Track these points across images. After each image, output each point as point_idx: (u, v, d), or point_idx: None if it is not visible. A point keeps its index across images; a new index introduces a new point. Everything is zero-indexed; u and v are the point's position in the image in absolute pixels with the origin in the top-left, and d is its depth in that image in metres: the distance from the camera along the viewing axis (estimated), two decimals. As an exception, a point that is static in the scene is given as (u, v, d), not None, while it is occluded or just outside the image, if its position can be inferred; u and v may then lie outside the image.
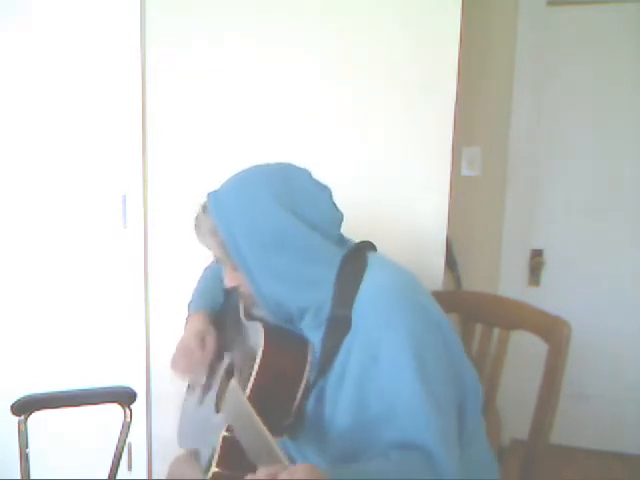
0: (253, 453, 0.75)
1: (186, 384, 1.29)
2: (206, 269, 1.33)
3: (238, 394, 0.89)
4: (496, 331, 1.31)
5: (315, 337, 0.97)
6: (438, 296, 1.44)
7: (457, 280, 2.26)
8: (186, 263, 1.69)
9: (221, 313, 1.23)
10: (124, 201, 1.69)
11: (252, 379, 0.95)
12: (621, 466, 2.33)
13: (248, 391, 0.95)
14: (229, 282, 1.02)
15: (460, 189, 1.92)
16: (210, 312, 1.21)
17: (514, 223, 2.36)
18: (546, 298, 2.18)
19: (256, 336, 1.00)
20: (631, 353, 2.35)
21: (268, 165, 1.00)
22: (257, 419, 0.75)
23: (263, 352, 0.96)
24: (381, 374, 0.85)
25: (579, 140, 2.31)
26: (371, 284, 0.92)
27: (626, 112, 2.26)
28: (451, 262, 2.16)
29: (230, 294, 1.20)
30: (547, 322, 1.18)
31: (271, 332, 0.99)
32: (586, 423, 2.40)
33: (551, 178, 2.34)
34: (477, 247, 2.35)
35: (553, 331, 1.15)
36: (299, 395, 0.96)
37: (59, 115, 1.70)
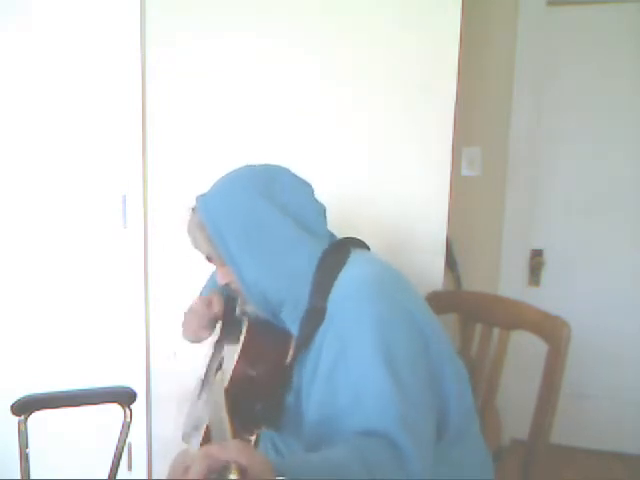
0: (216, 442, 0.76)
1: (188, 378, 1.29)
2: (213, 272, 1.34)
3: (219, 387, 0.90)
4: (496, 331, 1.31)
5: (295, 329, 0.99)
6: (438, 296, 1.45)
7: (457, 280, 2.26)
8: (186, 263, 1.69)
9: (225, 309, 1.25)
10: (124, 201, 1.69)
11: (231, 369, 0.98)
12: (621, 466, 2.33)
13: (227, 382, 0.97)
14: (221, 279, 1.06)
15: (460, 189, 1.92)
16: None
17: (514, 223, 2.36)
18: (546, 298, 2.18)
19: (243, 329, 1.03)
20: (631, 353, 2.35)
21: (252, 165, 1.05)
22: (225, 415, 0.76)
23: (243, 342, 1.00)
24: (349, 366, 0.87)
25: (579, 140, 2.31)
26: (347, 277, 0.94)
27: (626, 112, 2.26)
28: (451, 262, 2.16)
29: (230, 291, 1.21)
30: (547, 322, 1.18)
31: (254, 324, 1.02)
32: (586, 423, 2.40)
33: (551, 178, 2.34)
34: (477, 247, 2.35)
35: (553, 331, 1.15)
36: (279, 387, 0.98)
37: (59, 115, 1.70)
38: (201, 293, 1.29)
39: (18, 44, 1.69)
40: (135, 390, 1.33)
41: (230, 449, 0.63)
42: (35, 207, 1.75)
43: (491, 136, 2.32)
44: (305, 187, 1.03)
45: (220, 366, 1.13)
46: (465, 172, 2.34)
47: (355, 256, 0.99)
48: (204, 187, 1.63)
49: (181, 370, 1.21)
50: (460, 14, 1.47)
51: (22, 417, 1.25)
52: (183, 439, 1.25)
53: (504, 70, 2.27)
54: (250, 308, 1.05)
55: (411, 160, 1.54)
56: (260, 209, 0.96)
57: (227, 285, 1.06)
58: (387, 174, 1.56)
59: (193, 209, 1.04)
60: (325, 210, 1.05)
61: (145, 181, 1.68)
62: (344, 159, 1.57)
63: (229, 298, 1.25)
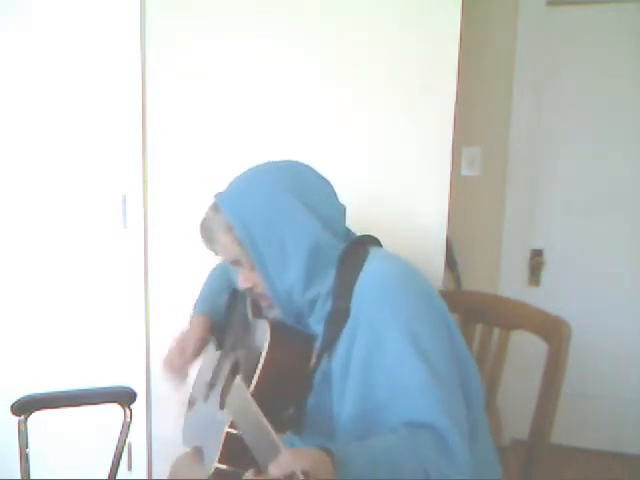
0: (256, 449, 0.76)
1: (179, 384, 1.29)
2: (212, 270, 1.33)
3: (242, 390, 0.89)
4: (496, 331, 1.31)
5: (319, 330, 0.98)
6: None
7: (457, 280, 2.26)
8: (186, 263, 1.69)
9: (226, 313, 1.24)
10: (124, 201, 1.69)
11: (257, 374, 0.96)
12: (621, 466, 2.33)
13: (252, 386, 0.96)
14: (244, 282, 1.00)
15: (460, 189, 1.92)
16: (212, 315, 1.23)
17: (514, 223, 2.36)
18: (546, 298, 2.18)
19: (263, 333, 1.01)
20: (631, 353, 2.35)
21: (275, 162, 1.02)
22: (261, 416, 0.75)
23: (269, 347, 0.97)
24: (385, 359, 0.87)
25: (579, 140, 2.31)
26: (369, 273, 0.93)
27: (626, 112, 2.26)
28: (451, 262, 2.16)
29: (236, 294, 1.21)
30: (547, 322, 1.18)
31: (277, 328, 1.00)
32: (586, 423, 2.40)
33: (551, 178, 2.34)
34: (477, 247, 2.35)
35: (553, 331, 1.15)
36: (304, 389, 0.97)
37: (59, 115, 1.70)
38: (195, 305, 1.27)
39: (18, 44, 1.69)
40: (135, 390, 1.33)
41: (287, 461, 0.65)
42: (35, 207, 1.75)
43: (491, 136, 2.32)
44: (328, 185, 1.01)
45: (235, 370, 1.10)
46: (465, 172, 2.34)
47: (373, 253, 0.98)
48: (204, 187, 1.63)
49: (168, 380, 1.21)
50: (460, 14, 1.47)
51: (22, 417, 1.25)
52: (184, 443, 1.24)
53: (504, 70, 2.27)
54: (270, 310, 1.02)
55: (411, 160, 1.54)
56: (290, 207, 0.92)
57: (249, 289, 1.01)
58: (387, 174, 1.56)
59: (215, 208, 0.98)
60: (345, 209, 1.03)
61: (145, 181, 1.68)
62: (344, 159, 1.57)
63: (230, 299, 1.25)
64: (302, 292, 0.95)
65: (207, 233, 1.00)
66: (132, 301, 1.73)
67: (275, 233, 0.92)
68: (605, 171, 2.31)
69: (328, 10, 1.53)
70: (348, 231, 1.04)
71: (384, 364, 0.87)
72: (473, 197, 2.33)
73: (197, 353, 1.17)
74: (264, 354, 0.97)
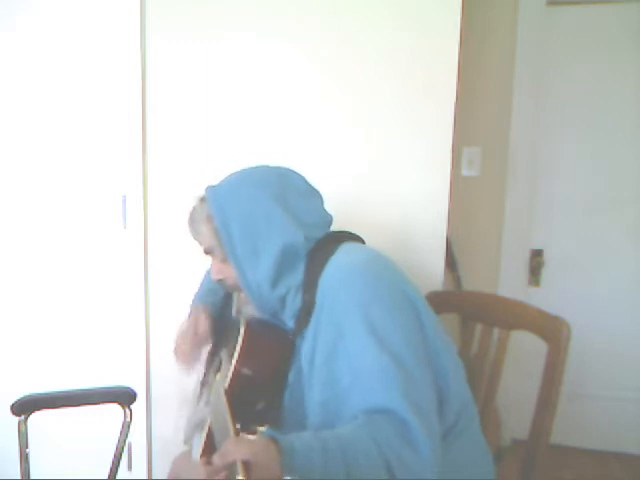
0: (219, 446, 0.76)
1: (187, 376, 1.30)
2: (206, 272, 1.34)
3: (218, 388, 0.91)
4: (496, 331, 1.31)
5: (292, 325, 1.01)
6: (438, 296, 1.45)
7: (457, 280, 2.26)
8: (186, 263, 1.69)
9: (220, 313, 1.25)
10: (124, 201, 1.69)
11: (231, 371, 0.98)
12: (620, 466, 2.33)
13: (227, 383, 0.98)
14: (216, 274, 1.06)
15: (460, 189, 1.92)
16: (211, 307, 1.25)
17: (514, 223, 2.36)
18: (546, 298, 2.19)
19: (240, 330, 1.03)
20: (631, 353, 2.35)
21: (268, 166, 1.06)
22: (227, 416, 0.76)
23: (242, 343, 1.00)
24: (347, 347, 0.89)
25: (579, 140, 2.31)
26: (333, 265, 0.96)
27: (626, 112, 2.26)
28: (451, 262, 2.17)
29: (229, 295, 1.22)
30: (547, 322, 1.18)
31: (251, 324, 1.03)
32: (586, 423, 2.40)
33: (551, 178, 2.34)
34: (477, 247, 2.35)
35: (553, 331, 1.15)
36: (279, 384, 0.98)
37: (58, 115, 1.70)
38: (193, 300, 1.29)
39: (18, 44, 1.68)
40: (135, 390, 1.33)
41: (228, 450, 0.65)
42: (35, 207, 1.75)
43: (491, 136, 2.32)
44: (316, 196, 1.05)
45: (219, 368, 1.13)
46: (465, 172, 2.34)
47: (343, 247, 1.00)
48: (204, 187, 1.63)
49: (181, 370, 1.21)
50: (460, 14, 1.47)
51: (22, 417, 1.25)
52: (185, 442, 1.25)
53: (504, 70, 2.27)
54: (247, 306, 1.05)
55: (411, 160, 1.54)
56: (270, 211, 0.97)
57: (221, 281, 1.06)
58: (387, 174, 1.56)
59: (202, 199, 1.04)
60: (332, 220, 1.06)
61: (145, 181, 1.68)
62: (344, 159, 1.57)
63: (225, 299, 1.26)
64: (271, 287, 0.98)
65: (192, 223, 1.05)
66: (132, 301, 1.73)
67: (250, 229, 0.97)
68: (605, 171, 2.31)
69: (328, 11, 1.53)
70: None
71: (345, 352, 0.89)
72: (473, 197, 2.33)
73: (207, 337, 1.18)
74: (237, 350, 0.99)
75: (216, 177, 1.64)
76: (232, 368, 0.98)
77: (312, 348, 0.94)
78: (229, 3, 1.58)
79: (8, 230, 1.77)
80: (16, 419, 1.25)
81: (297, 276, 0.98)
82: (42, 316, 1.78)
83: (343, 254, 0.98)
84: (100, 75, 1.66)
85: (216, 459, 0.68)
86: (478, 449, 1.03)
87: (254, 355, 1.00)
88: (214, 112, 1.63)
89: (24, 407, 1.26)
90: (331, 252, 0.98)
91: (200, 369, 1.26)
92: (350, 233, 1.08)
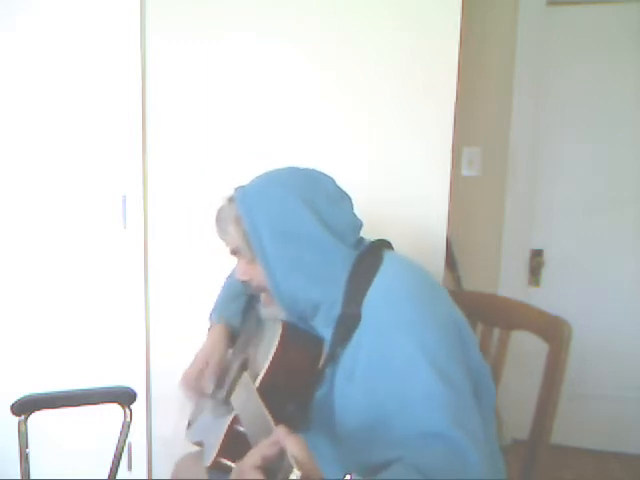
0: (257, 443, 0.76)
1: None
2: (227, 278, 1.34)
3: (248, 385, 0.90)
4: (496, 331, 1.31)
5: (327, 334, 0.99)
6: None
7: (457, 280, 2.26)
8: (186, 263, 1.69)
9: (243, 317, 1.26)
10: (124, 201, 1.69)
11: (265, 370, 0.98)
12: (620, 466, 2.33)
13: (259, 382, 0.97)
14: (242, 275, 1.04)
15: (460, 189, 1.92)
16: (229, 320, 1.24)
17: (514, 223, 2.36)
18: (546, 298, 2.18)
19: (274, 332, 1.03)
20: (631, 353, 2.35)
21: (297, 167, 1.05)
22: (264, 410, 0.75)
23: (278, 344, 0.99)
24: (393, 370, 0.86)
25: (579, 140, 2.31)
26: (382, 282, 0.94)
27: (626, 112, 2.26)
28: (451, 262, 2.16)
29: (252, 298, 1.23)
30: (547, 322, 1.18)
31: (289, 328, 1.02)
32: (586, 423, 2.40)
33: (551, 178, 2.34)
34: (477, 247, 2.35)
35: (553, 331, 1.15)
36: (310, 389, 0.98)
37: (59, 115, 1.70)
38: (213, 311, 1.28)
39: (17, 44, 1.68)
40: (135, 390, 1.32)
41: (292, 442, 0.62)
42: (35, 207, 1.74)
43: (491, 136, 2.32)
44: (345, 200, 1.03)
45: (244, 366, 1.12)
46: (465, 172, 2.34)
47: (388, 260, 0.99)
48: (204, 187, 1.63)
49: (181, 370, 1.21)
50: (460, 14, 1.47)
51: (22, 417, 1.25)
52: (189, 438, 1.25)
53: (504, 70, 2.27)
54: (274, 309, 1.04)
55: (411, 160, 1.54)
56: (299, 213, 0.95)
57: (246, 282, 1.05)
58: (387, 174, 1.56)
59: (230, 199, 1.02)
60: (362, 225, 1.05)
61: (145, 181, 1.68)
62: (344, 159, 1.57)
63: (248, 301, 1.26)
64: (305, 295, 0.97)
65: (220, 223, 1.04)
66: (132, 301, 1.73)
67: (281, 233, 0.95)
68: (605, 171, 2.31)
69: (328, 11, 1.53)
70: (361, 241, 1.05)
71: (392, 376, 0.86)
72: (473, 197, 2.33)
73: (217, 372, 1.18)
74: (273, 351, 0.99)
75: (216, 177, 1.65)
76: (265, 368, 0.98)
77: (353, 362, 0.91)
78: (229, 3, 1.58)
79: (8, 230, 1.77)
80: (16, 419, 1.25)
81: (335, 286, 0.96)
82: (42, 316, 1.78)
83: (391, 269, 0.96)
84: (100, 75, 1.66)
85: (274, 440, 0.64)
86: (494, 452, 1.03)
87: (288, 360, 1.00)
88: (214, 112, 1.62)
89: (24, 407, 1.26)
90: (377, 264, 0.96)
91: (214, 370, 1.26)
92: (385, 241, 1.07)
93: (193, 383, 1.17)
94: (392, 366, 0.86)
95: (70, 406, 1.32)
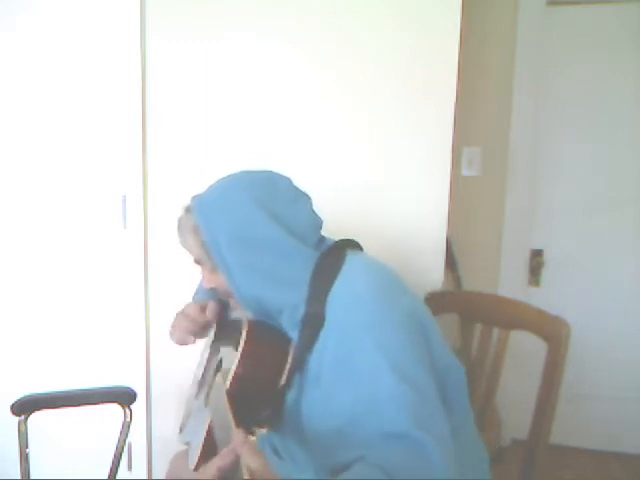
0: (221, 446, 0.75)
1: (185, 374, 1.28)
2: None
3: (220, 388, 0.90)
4: (496, 331, 1.31)
5: (294, 336, 0.99)
6: (438, 296, 1.45)
7: (457, 280, 2.26)
8: (186, 263, 1.69)
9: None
10: (124, 201, 1.69)
11: (233, 370, 0.98)
12: (620, 466, 2.33)
13: (228, 383, 0.97)
14: (207, 283, 1.05)
15: (460, 189, 1.92)
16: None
17: (514, 223, 2.36)
18: (546, 298, 2.19)
19: (243, 330, 1.02)
20: (631, 353, 2.35)
21: (251, 171, 1.04)
22: (230, 416, 0.75)
23: (244, 345, 0.99)
24: (357, 374, 0.86)
25: (579, 140, 2.31)
26: (343, 282, 0.94)
27: (626, 112, 2.26)
28: (451, 262, 2.16)
29: None
30: (547, 322, 1.18)
31: (254, 326, 1.02)
32: (586, 423, 2.40)
33: (551, 178, 2.34)
34: (477, 247, 2.35)
35: (553, 331, 1.16)
36: (279, 387, 0.98)
37: (58, 115, 1.70)
38: (193, 297, 1.28)
39: (17, 44, 1.68)
40: (135, 390, 1.33)
41: (247, 451, 0.62)
42: (35, 208, 1.74)
43: (491, 136, 2.32)
44: (304, 199, 1.02)
45: (219, 367, 1.13)
46: (465, 172, 2.34)
47: (351, 259, 0.98)
48: (204, 187, 1.63)
49: (181, 370, 1.21)
50: (460, 14, 1.47)
51: (22, 417, 1.25)
52: (182, 439, 1.25)
53: (504, 70, 2.27)
54: (241, 312, 1.04)
55: (411, 160, 1.54)
56: (256, 218, 0.95)
57: (213, 289, 1.06)
58: (387, 174, 1.56)
59: (187, 209, 1.02)
60: (322, 223, 1.04)
61: (145, 181, 1.68)
62: (344, 159, 1.57)
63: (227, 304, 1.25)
64: (269, 299, 0.97)
65: (180, 233, 1.04)
66: (132, 301, 1.73)
67: (239, 242, 0.95)
68: (605, 171, 2.31)
69: (328, 11, 1.53)
70: (322, 239, 1.04)
71: (356, 379, 0.86)
72: (473, 197, 2.33)
73: (213, 319, 1.15)
74: (239, 352, 0.99)
75: (216, 178, 1.65)
76: (234, 369, 0.98)
77: (319, 365, 0.92)
78: (229, 3, 1.58)
79: (8, 230, 1.77)
80: (16, 419, 1.25)
81: (298, 286, 0.96)
82: (42, 316, 1.78)
83: (353, 269, 0.96)
84: (100, 75, 1.66)
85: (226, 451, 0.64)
86: (473, 449, 1.03)
87: (256, 358, 1.00)
88: (214, 112, 1.63)
89: (24, 407, 1.26)
90: (338, 266, 0.96)
91: (199, 368, 1.26)
92: (350, 241, 1.06)
93: (186, 325, 1.14)
94: (355, 368, 0.87)
95: (70, 406, 1.32)
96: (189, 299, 1.35)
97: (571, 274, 2.36)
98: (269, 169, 1.04)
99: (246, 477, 0.58)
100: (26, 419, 1.26)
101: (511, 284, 2.35)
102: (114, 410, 1.32)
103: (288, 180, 1.03)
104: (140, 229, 1.69)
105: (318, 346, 0.93)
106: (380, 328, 0.88)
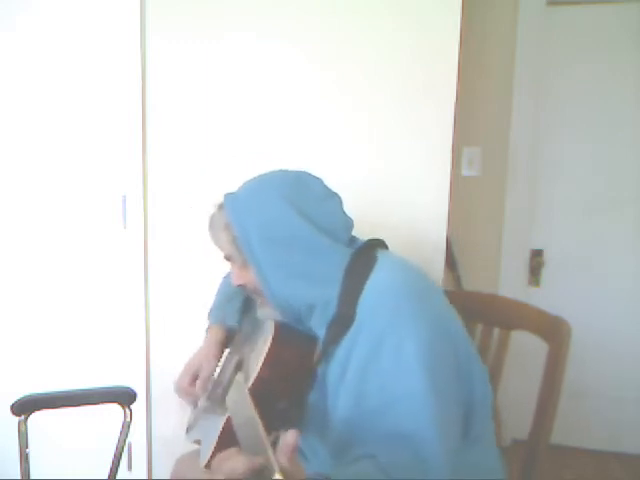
0: (247, 448, 0.76)
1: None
2: (223, 278, 1.34)
3: (241, 388, 0.90)
4: (496, 331, 1.31)
5: (322, 333, 0.99)
6: (438, 296, 1.44)
7: (457, 280, 2.26)
8: (186, 263, 1.69)
9: (241, 317, 1.26)
10: (124, 201, 1.69)
11: (257, 370, 0.98)
12: (620, 466, 2.33)
13: (251, 382, 0.98)
14: (237, 280, 1.05)
15: (460, 189, 1.93)
16: (226, 319, 1.25)
17: (514, 223, 2.36)
18: (546, 298, 2.19)
19: (268, 332, 1.03)
20: (631, 353, 2.36)
21: (284, 170, 1.05)
22: (254, 412, 0.76)
23: (271, 344, 0.99)
24: (383, 368, 0.87)
25: (579, 140, 2.31)
26: (377, 281, 0.94)
27: (626, 112, 2.26)
28: (451, 262, 2.17)
29: (250, 297, 1.22)
30: (547, 322, 1.18)
31: (281, 327, 1.02)
32: (586, 423, 2.40)
33: (551, 178, 2.34)
34: (477, 247, 2.35)
35: (553, 331, 1.15)
36: (303, 389, 0.98)
37: (58, 115, 1.70)
38: (209, 314, 1.28)
39: (17, 44, 1.68)
40: (135, 390, 1.33)
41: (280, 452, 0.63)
42: (34, 208, 1.75)
43: (491, 136, 2.32)
44: (334, 199, 1.04)
45: (239, 366, 1.13)
46: (465, 172, 2.34)
47: (382, 260, 0.99)
48: (204, 187, 1.63)
49: (181, 370, 1.21)
50: (460, 14, 1.47)
51: (22, 417, 1.25)
52: (188, 438, 1.25)
53: (504, 70, 2.27)
54: (270, 310, 1.04)
55: (411, 160, 1.54)
56: (288, 216, 0.95)
57: (241, 286, 1.06)
58: (387, 174, 1.56)
59: (220, 207, 1.03)
60: (352, 224, 1.05)
61: (145, 181, 1.68)
62: (344, 159, 1.57)
63: (246, 301, 1.26)
64: (300, 297, 0.97)
65: (211, 230, 1.05)
66: (132, 301, 1.73)
67: (270, 240, 0.96)
68: (605, 171, 2.31)
69: (328, 11, 1.53)
70: (353, 239, 1.05)
71: (378, 372, 0.87)
72: (473, 197, 2.33)
73: (207, 384, 1.18)
74: (265, 350, 0.99)
75: (216, 177, 1.65)
76: (258, 370, 0.98)
77: (345, 360, 0.92)
78: (229, 3, 1.58)
79: (8, 230, 1.77)
80: (16, 419, 1.25)
81: (329, 286, 0.96)
82: (42, 316, 1.78)
83: (385, 269, 0.97)
84: (100, 75, 1.66)
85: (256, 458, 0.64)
86: (492, 453, 1.04)
87: (281, 360, 1.00)
88: (214, 112, 1.62)
89: (24, 407, 1.26)
90: (371, 264, 0.97)
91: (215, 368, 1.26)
92: (380, 241, 1.07)
93: (186, 391, 1.18)
94: (383, 364, 0.87)
95: (70, 406, 1.32)
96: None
97: (571, 274, 2.36)
98: (302, 170, 1.05)
99: (277, 477, 0.58)
100: (26, 419, 1.25)
101: (511, 284, 2.35)
102: (114, 410, 1.32)
103: (319, 180, 1.04)
104: (140, 229, 1.69)
105: (346, 342, 0.93)
106: (411, 327, 0.89)
